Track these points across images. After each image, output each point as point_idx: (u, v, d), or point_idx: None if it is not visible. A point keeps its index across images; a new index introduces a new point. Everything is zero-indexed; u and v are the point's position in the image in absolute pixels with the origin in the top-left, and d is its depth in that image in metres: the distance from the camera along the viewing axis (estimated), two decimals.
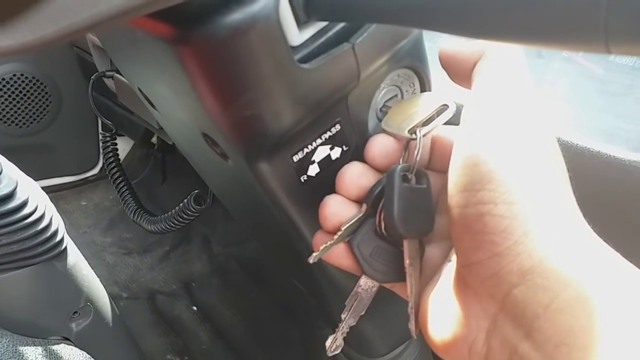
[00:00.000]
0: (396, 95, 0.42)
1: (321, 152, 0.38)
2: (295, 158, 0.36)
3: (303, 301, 0.65)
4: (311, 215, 0.41)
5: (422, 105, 0.40)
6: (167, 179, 1.51)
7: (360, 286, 0.39)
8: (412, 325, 0.34)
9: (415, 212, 0.35)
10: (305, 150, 0.37)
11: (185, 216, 0.83)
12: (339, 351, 0.42)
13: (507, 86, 0.29)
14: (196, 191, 0.79)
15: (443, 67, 0.34)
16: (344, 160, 0.39)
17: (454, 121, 0.52)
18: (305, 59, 0.32)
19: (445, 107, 0.40)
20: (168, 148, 1.42)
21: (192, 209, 0.80)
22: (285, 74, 0.31)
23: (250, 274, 1.28)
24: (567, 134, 0.45)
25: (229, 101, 0.31)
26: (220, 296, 1.26)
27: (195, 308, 1.23)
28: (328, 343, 0.41)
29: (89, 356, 0.68)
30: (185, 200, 0.81)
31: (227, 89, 0.31)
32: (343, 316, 0.40)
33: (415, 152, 0.36)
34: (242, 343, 1.16)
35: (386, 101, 0.41)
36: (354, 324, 0.41)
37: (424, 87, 0.42)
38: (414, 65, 0.40)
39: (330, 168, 0.39)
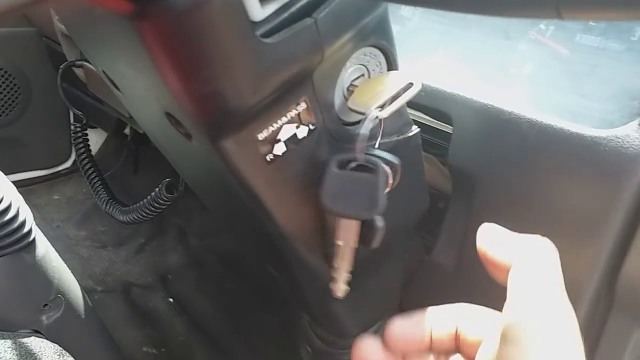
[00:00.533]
0: (363, 75, 0.42)
1: (287, 131, 0.37)
2: (261, 136, 0.36)
3: (281, 290, 0.65)
4: (279, 195, 0.40)
5: (388, 84, 0.40)
6: (141, 169, 1.49)
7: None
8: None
9: (351, 196, 0.38)
10: (271, 128, 0.36)
11: (157, 205, 0.82)
12: (343, 295, 0.46)
13: (543, 304, 0.28)
14: (168, 179, 0.78)
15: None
16: (311, 139, 0.39)
17: (420, 100, 0.52)
18: (267, 34, 0.32)
19: (410, 85, 0.40)
20: (141, 139, 1.40)
21: (163, 197, 0.79)
22: (245, 49, 0.31)
23: (227, 265, 1.27)
24: (533, 113, 0.45)
25: (189, 77, 0.31)
26: (196, 288, 1.25)
27: (171, 300, 1.22)
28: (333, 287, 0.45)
29: (61, 349, 0.67)
30: (157, 189, 0.80)
31: (187, 64, 0.30)
32: (334, 264, 0.43)
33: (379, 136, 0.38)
34: (220, 334, 1.15)
35: (353, 80, 0.41)
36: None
37: (391, 66, 0.42)
38: (380, 44, 0.40)
39: (297, 147, 0.39)
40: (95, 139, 1.56)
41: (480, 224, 0.52)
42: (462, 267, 0.54)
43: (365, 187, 0.38)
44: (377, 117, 0.38)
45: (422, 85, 0.52)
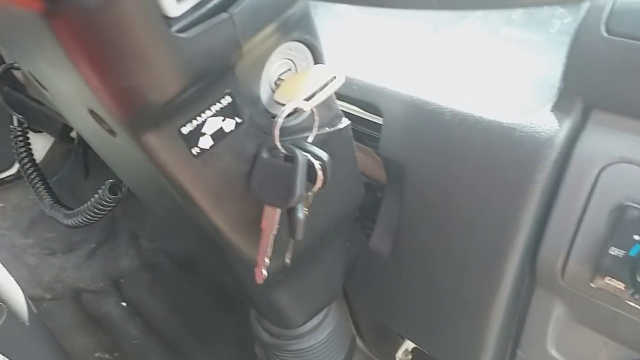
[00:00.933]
0: (290, 69, 0.43)
1: (212, 124, 0.38)
2: (184, 130, 0.37)
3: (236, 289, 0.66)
4: (209, 189, 0.41)
5: (313, 78, 0.42)
6: (91, 173, 1.45)
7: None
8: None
9: (273, 184, 0.40)
10: (195, 122, 0.37)
11: (101, 207, 0.80)
12: (262, 281, 0.46)
13: None
14: (111, 180, 0.76)
15: None
16: (238, 133, 0.40)
17: (352, 94, 0.53)
18: (183, 29, 0.32)
19: (334, 78, 0.41)
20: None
21: (107, 199, 0.77)
22: (160, 44, 0.31)
23: (181, 267, 1.26)
24: (454, 103, 0.48)
25: (105, 72, 0.31)
26: (150, 290, 1.23)
27: (124, 304, 1.20)
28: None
29: (4, 357, 0.66)
30: (100, 190, 0.78)
31: (102, 59, 0.31)
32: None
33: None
34: (175, 335, 1.14)
35: (280, 74, 0.42)
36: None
37: (317, 60, 0.43)
38: (305, 38, 0.41)
39: (225, 141, 0.39)
40: (42, 143, 1.51)
41: (412, 212, 0.54)
42: (397, 254, 0.56)
43: (285, 176, 0.40)
44: (298, 108, 0.39)
45: (354, 79, 0.54)
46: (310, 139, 0.42)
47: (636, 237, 0.40)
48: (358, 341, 0.78)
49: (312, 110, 0.41)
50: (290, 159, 0.40)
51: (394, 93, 0.51)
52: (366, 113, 0.56)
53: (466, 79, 0.53)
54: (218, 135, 0.39)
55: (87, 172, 1.45)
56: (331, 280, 0.61)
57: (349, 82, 0.54)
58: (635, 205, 0.40)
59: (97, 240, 1.36)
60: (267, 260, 0.44)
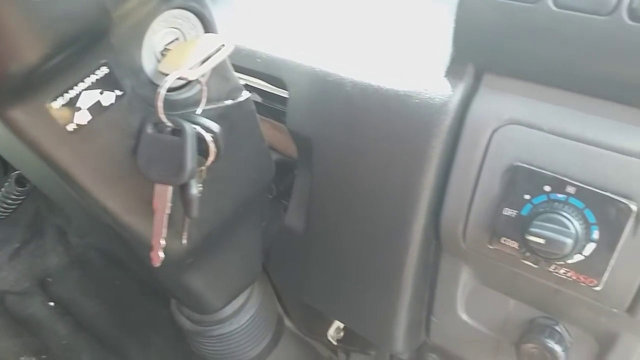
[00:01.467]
0: (178, 39, 0.41)
1: (89, 97, 0.35)
2: (56, 104, 0.34)
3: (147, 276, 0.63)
4: (92, 168, 0.39)
5: (201, 46, 0.40)
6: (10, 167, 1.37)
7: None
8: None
9: (162, 160, 0.38)
10: (67, 95, 0.34)
11: (10, 201, 0.75)
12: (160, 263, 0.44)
13: None
14: (17, 172, 0.72)
15: None
16: (120, 106, 0.38)
17: (255, 67, 0.51)
18: None
19: (223, 46, 0.40)
20: None
21: (15, 191, 0.73)
22: (13, 6, 0.29)
23: (112, 261, 1.21)
24: (354, 73, 0.47)
25: None
26: (80, 288, 1.18)
27: (52, 304, 1.14)
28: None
29: None
30: (7, 183, 0.73)
31: None
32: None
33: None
34: (107, 332, 1.10)
35: (167, 44, 0.40)
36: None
37: (208, 29, 0.42)
38: (190, 6, 0.40)
39: (105, 115, 0.37)
40: None
41: (321, 186, 0.54)
42: (311, 229, 0.56)
43: (174, 151, 0.38)
44: (183, 77, 0.37)
45: (257, 52, 0.53)
46: (199, 111, 0.41)
47: (526, 197, 0.41)
48: (287, 321, 0.78)
49: (199, 80, 0.39)
50: (178, 132, 0.39)
51: (297, 65, 0.50)
52: (275, 88, 0.55)
53: (369, 48, 0.52)
54: (96, 109, 0.36)
55: (6, 167, 1.37)
56: (249, 261, 0.60)
57: (252, 55, 0.53)
58: (525, 165, 0.41)
59: (21, 239, 1.29)
60: (163, 242, 0.42)
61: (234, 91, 0.45)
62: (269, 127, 0.61)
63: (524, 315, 0.50)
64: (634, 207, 0.38)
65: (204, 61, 0.39)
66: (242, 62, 0.53)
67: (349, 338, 0.82)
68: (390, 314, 0.54)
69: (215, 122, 0.43)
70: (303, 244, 0.58)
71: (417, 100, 0.44)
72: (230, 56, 0.52)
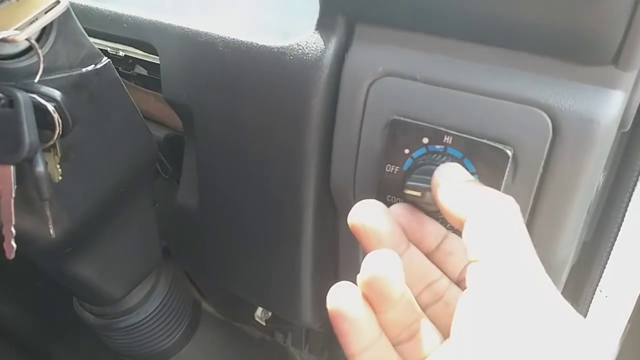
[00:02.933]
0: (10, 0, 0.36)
1: None
2: None
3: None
4: None
5: (33, 6, 0.36)
6: None
7: None
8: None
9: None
10: None
11: None
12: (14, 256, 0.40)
13: (504, 266, 0.25)
14: None
15: None
16: None
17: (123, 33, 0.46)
18: None
19: (57, 3, 0.36)
20: None
21: None
22: None
23: (31, 263, 1.13)
24: (225, 30, 0.44)
25: None
26: None
27: None
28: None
29: None
30: None
31: None
32: None
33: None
34: (30, 337, 1.03)
35: None
36: None
37: None
38: None
39: None
40: None
41: (207, 157, 0.50)
42: (204, 206, 0.52)
43: (9, 125, 0.34)
44: (9, 39, 0.33)
45: (124, 15, 0.48)
46: (36, 79, 0.36)
47: (406, 151, 0.39)
48: (206, 305, 0.75)
49: (31, 42, 0.35)
50: (12, 104, 0.34)
51: (166, 27, 0.46)
52: (152, 56, 0.51)
53: (252, 9, 0.49)
54: None
55: None
56: (144, 246, 0.56)
57: (118, 20, 0.48)
58: (402, 119, 0.39)
59: None
60: (13, 231, 0.38)
61: (90, 57, 0.41)
62: (155, 100, 0.57)
63: None
64: (509, 152, 0.37)
65: (34, 20, 0.35)
66: (109, 29, 0.48)
67: (278, 316, 0.80)
68: (295, 286, 0.52)
69: (70, 92, 0.39)
70: (199, 223, 0.54)
71: (290, 57, 0.41)
72: (94, 22, 0.48)
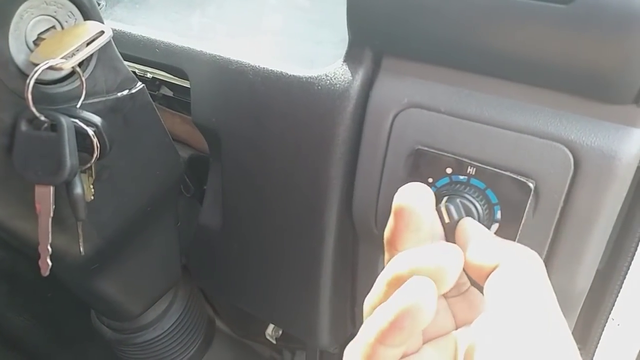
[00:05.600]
0: (54, 27, 0.38)
1: None
2: None
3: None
4: None
5: (78, 35, 0.37)
6: None
7: None
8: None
9: (40, 159, 0.36)
10: None
11: None
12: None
13: (525, 313, 0.25)
14: None
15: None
16: None
17: (156, 58, 0.48)
18: None
19: (101, 33, 0.37)
20: None
21: None
22: None
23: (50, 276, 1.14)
24: (256, 59, 0.45)
25: None
26: (8, 302, 1.11)
27: None
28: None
29: None
30: None
31: None
32: None
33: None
34: (40, 346, 1.04)
35: (41, 33, 0.37)
36: None
37: (88, 16, 0.39)
38: None
39: None
40: None
41: (233, 180, 0.52)
42: (227, 226, 0.54)
43: (52, 148, 0.35)
44: (55, 67, 0.35)
45: (157, 41, 0.50)
46: (78, 104, 0.38)
47: (430, 180, 0.41)
48: (220, 324, 0.75)
49: (76, 70, 0.37)
50: (55, 127, 0.36)
51: (197, 54, 0.47)
52: (179, 79, 0.53)
53: (281, 38, 0.51)
54: None
55: None
56: (166, 264, 0.57)
57: (151, 45, 0.50)
58: (426, 149, 0.40)
59: None
60: (49, 249, 0.39)
61: (126, 82, 0.43)
62: (181, 121, 0.58)
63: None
64: (531, 185, 0.38)
65: (79, 49, 0.36)
66: (141, 53, 0.50)
67: (289, 335, 0.81)
68: (313, 308, 0.52)
69: (106, 115, 0.40)
70: (221, 243, 0.55)
71: (319, 87, 0.43)
72: (128, 47, 0.49)
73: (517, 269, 0.27)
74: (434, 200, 0.30)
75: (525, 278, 0.27)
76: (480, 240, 0.30)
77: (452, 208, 0.37)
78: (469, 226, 0.32)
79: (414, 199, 0.29)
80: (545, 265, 0.39)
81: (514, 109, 0.38)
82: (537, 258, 0.29)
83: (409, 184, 0.30)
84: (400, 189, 0.29)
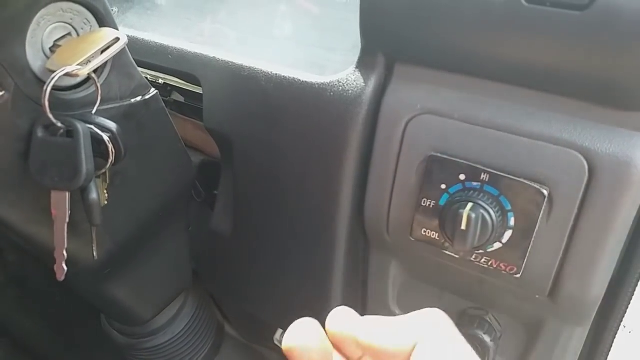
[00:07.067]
0: (70, 34, 0.38)
1: None
2: None
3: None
4: None
5: (93, 41, 0.38)
6: None
7: None
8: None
9: (56, 164, 0.36)
10: None
11: None
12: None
13: None
14: None
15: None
16: (3, 107, 0.35)
17: (168, 64, 0.48)
18: None
19: (116, 40, 0.38)
20: None
21: None
22: None
23: (52, 277, 1.15)
24: (268, 66, 0.46)
25: None
26: (18, 307, 1.12)
27: None
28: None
29: None
30: None
31: None
32: None
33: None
34: (49, 351, 1.05)
35: (57, 40, 0.38)
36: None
37: (103, 23, 0.39)
38: None
39: None
40: None
41: (244, 185, 0.52)
42: (238, 232, 0.54)
43: (68, 154, 0.36)
44: (72, 73, 0.35)
45: (169, 47, 0.50)
46: (94, 110, 0.38)
47: (443, 187, 0.41)
48: (229, 329, 0.75)
49: (92, 76, 0.37)
50: (72, 134, 0.36)
51: (210, 60, 0.48)
52: (191, 85, 0.53)
53: (291, 44, 0.51)
54: None
55: None
56: (176, 269, 0.57)
57: (163, 51, 0.50)
58: (439, 155, 0.40)
59: None
60: (65, 254, 0.39)
61: (139, 89, 0.43)
62: (192, 127, 0.58)
63: (456, 306, 0.49)
64: (545, 192, 0.38)
65: (95, 56, 0.37)
66: (154, 59, 0.50)
67: None
68: (323, 314, 0.52)
69: (120, 121, 0.41)
70: (231, 248, 0.55)
71: (331, 93, 0.43)
72: (140, 53, 0.50)
73: (437, 338, 0.28)
74: (323, 334, 0.31)
75: (448, 345, 0.27)
76: (384, 326, 0.29)
77: (472, 217, 0.37)
78: (360, 320, 0.31)
79: (303, 338, 0.30)
80: (559, 273, 0.40)
81: (527, 116, 0.38)
82: (444, 316, 0.29)
83: (297, 320, 0.31)
84: (289, 329, 0.30)
